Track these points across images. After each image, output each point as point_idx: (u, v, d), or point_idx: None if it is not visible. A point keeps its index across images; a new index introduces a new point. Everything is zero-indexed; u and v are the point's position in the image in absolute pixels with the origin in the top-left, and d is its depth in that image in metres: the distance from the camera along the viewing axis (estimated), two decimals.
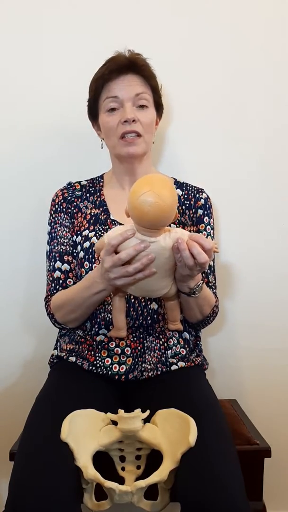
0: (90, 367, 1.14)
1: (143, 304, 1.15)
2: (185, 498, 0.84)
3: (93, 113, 1.25)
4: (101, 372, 1.13)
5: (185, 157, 1.47)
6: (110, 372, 1.12)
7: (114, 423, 0.95)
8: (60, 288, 1.20)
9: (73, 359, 1.16)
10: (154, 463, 0.92)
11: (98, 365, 1.13)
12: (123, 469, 0.97)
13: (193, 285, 1.02)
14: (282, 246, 1.49)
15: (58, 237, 1.23)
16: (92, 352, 1.15)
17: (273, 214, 1.49)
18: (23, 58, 1.43)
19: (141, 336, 1.14)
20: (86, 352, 1.16)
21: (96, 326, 1.15)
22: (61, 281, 1.20)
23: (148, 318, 1.15)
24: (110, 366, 1.12)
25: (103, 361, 1.13)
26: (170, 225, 1.01)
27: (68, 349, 1.19)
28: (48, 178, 1.43)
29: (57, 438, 0.89)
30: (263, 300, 1.50)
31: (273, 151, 1.48)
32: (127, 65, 1.18)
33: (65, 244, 1.22)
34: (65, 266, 1.21)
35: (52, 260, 1.22)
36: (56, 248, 1.22)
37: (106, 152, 1.28)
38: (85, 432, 0.92)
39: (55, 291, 1.20)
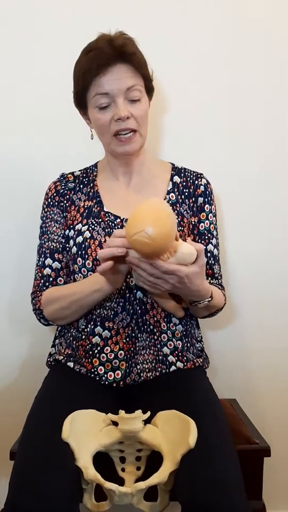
0: (88, 374, 1.12)
1: (134, 295, 1.13)
2: (185, 498, 0.84)
3: (82, 104, 1.16)
4: (99, 381, 1.11)
5: (184, 150, 1.45)
6: (107, 382, 1.10)
7: (115, 424, 0.95)
8: (50, 286, 1.19)
9: (71, 364, 1.15)
10: (154, 464, 0.92)
11: (96, 373, 1.11)
12: (123, 470, 0.97)
13: (195, 300, 1.08)
14: (284, 245, 1.49)
15: (49, 232, 1.21)
16: (89, 360, 1.13)
17: (275, 210, 1.49)
18: (14, 49, 1.41)
19: (133, 334, 1.12)
20: (83, 359, 1.14)
21: (91, 323, 1.14)
22: (51, 279, 1.19)
23: (138, 309, 1.12)
24: (105, 375, 1.11)
25: (97, 369, 1.12)
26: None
27: (66, 353, 1.18)
28: (42, 177, 1.39)
29: (57, 438, 0.89)
30: (264, 299, 1.50)
31: (274, 144, 1.47)
32: (115, 55, 1.08)
33: (55, 241, 1.20)
34: (56, 264, 1.19)
35: (42, 256, 1.21)
36: (47, 244, 1.20)
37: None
38: (86, 432, 0.92)
39: (44, 288, 1.19)
